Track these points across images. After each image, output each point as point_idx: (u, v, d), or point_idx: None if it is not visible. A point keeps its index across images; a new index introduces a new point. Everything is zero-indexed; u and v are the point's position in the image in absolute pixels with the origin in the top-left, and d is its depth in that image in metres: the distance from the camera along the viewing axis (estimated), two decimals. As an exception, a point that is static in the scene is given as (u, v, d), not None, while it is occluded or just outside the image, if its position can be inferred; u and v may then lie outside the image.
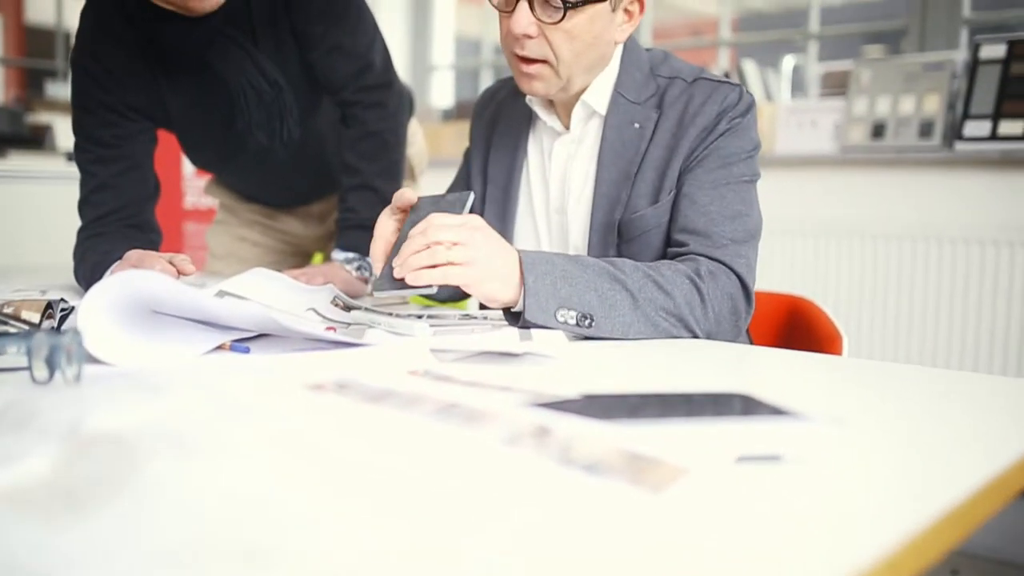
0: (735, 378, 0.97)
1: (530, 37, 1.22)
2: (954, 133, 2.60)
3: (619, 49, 1.34)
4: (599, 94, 1.33)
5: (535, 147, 1.42)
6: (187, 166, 3.73)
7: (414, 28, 4.21)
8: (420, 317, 1.33)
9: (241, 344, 1.04)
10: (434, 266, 1.06)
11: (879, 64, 2.78)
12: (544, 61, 1.24)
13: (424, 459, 0.56)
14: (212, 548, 0.42)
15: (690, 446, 0.61)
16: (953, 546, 0.53)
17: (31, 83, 6.67)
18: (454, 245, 1.06)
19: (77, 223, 1.59)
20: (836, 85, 2.92)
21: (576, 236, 1.36)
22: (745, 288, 1.21)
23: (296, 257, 2.02)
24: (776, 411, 0.71)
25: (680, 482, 0.54)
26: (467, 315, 1.36)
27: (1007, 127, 2.50)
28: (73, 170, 1.63)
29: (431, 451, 0.57)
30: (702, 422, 0.66)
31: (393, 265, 1.09)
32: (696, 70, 1.34)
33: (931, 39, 2.83)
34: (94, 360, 0.90)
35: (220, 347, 1.04)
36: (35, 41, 8.00)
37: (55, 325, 1.13)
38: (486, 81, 4.23)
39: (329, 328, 1.11)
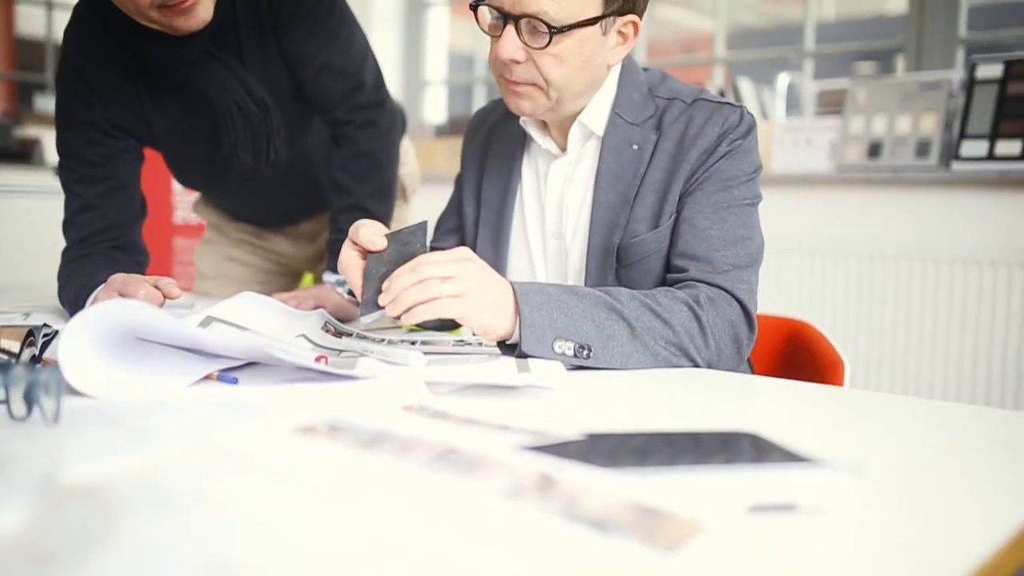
0: (740, 413, 0.94)
1: (518, 62, 1.19)
2: (951, 153, 2.58)
3: (616, 69, 1.31)
4: (596, 115, 1.30)
5: (530, 170, 1.39)
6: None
7: (407, 43, 4.19)
8: (414, 344, 1.30)
9: (229, 375, 1.01)
10: (427, 301, 1.03)
11: (875, 83, 2.77)
12: (533, 83, 1.21)
13: (421, 515, 0.52)
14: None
15: (702, 496, 0.58)
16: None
17: (20, 96, 6.62)
18: (446, 279, 1.04)
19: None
20: (831, 103, 2.90)
21: (574, 261, 1.33)
22: (747, 315, 1.18)
23: (286, 277, 1.98)
24: (788, 455, 0.67)
25: (694, 538, 0.50)
26: (461, 341, 1.33)
27: (1004, 147, 2.49)
28: (62, 185, 1.59)
29: (428, 506, 0.54)
30: (713, 470, 0.63)
31: (380, 303, 1.06)
32: (695, 91, 1.31)
33: (927, 58, 2.82)
34: (75, 392, 0.87)
35: (207, 377, 1.01)
36: (24, 53, 7.95)
37: (36, 353, 1.09)
38: (479, 96, 4.20)
39: (320, 357, 1.07)
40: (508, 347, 1.11)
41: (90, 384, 0.89)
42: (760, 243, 1.26)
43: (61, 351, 0.88)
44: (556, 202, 1.35)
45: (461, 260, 1.07)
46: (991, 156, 2.50)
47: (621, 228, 1.26)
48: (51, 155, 3.87)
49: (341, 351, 1.20)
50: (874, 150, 2.70)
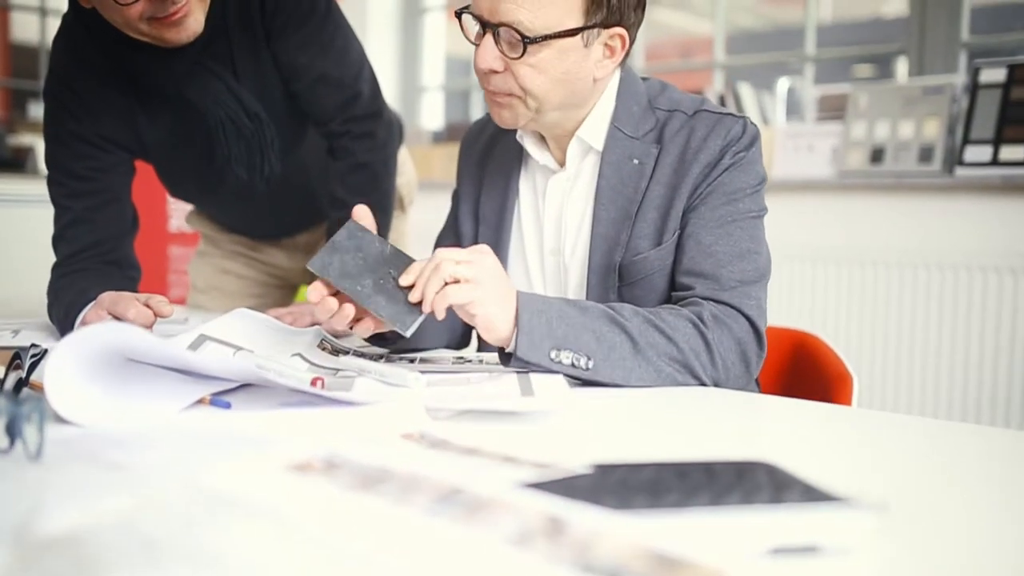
0: (752, 437, 0.90)
1: (495, 72, 1.17)
2: (954, 158, 2.55)
3: (615, 81, 1.28)
4: (594, 129, 1.26)
5: (527, 185, 1.36)
6: (172, 189, 3.65)
7: (403, 49, 4.16)
8: (413, 361, 1.26)
9: (222, 399, 0.98)
10: (440, 289, 1.05)
11: (877, 87, 2.74)
12: (510, 93, 1.19)
13: (422, 565, 0.49)
14: None
15: (719, 540, 0.55)
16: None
17: (14, 104, 6.58)
18: (461, 263, 1.05)
19: (59, 250, 1.52)
20: (832, 108, 2.87)
21: (574, 279, 1.30)
22: (756, 332, 1.15)
23: (281, 290, 1.95)
24: (807, 491, 0.64)
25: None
26: (461, 358, 1.29)
27: (1008, 152, 2.46)
28: (56, 195, 1.56)
29: (430, 555, 0.51)
30: (730, 510, 0.59)
31: (411, 299, 1.07)
32: (696, 101, 1.27)
33: (929, 62, 2.79)
34: (61, 420, 0.84)
35: (200, 401, 0.98)
36: (18, 60, 7.90)
37: (23, 376, 1.06)
38: (477, 102, 4.17)
39: (316, 379, 1.04)
40: (507, 356, 1.08)
41: (77, 412, 0.85)
42: (767, 257, 1.22)
43: (47, 378, 0.85)
44: (555, 218, 1.31)
45: (476, 250, 1.08)
46: (995, 161, 2.46)
47: (623, 246, 1.23)
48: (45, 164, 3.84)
49: (338, 370, 1.17)
50: (876, 156, 2.67)
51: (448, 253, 1.06)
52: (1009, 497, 0.69)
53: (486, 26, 1.15)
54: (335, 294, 1.12)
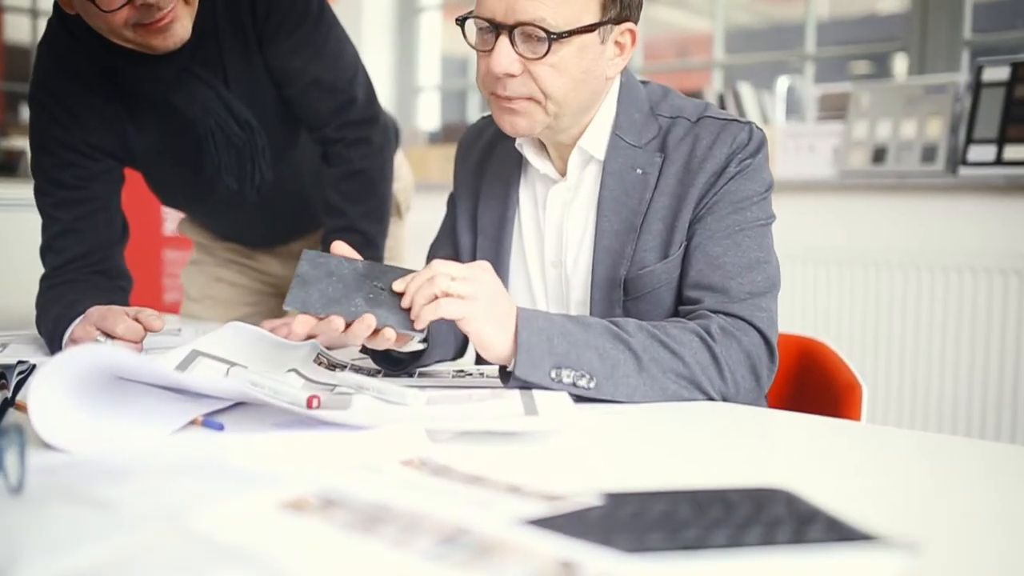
0: (763, 457, 0.87)
1: (512, 76, 1.12)
2: (957, 158, 2.52)
3: (614, 87, 1.24)
4: (596, 138, 1.22)
5: (527, 194, 1.31)
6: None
7: (399, 48, 4.11)
8: (411, 375, 1.23)
9: (214, 421, 0.94)
10: (432, 300, 1.01)
11: (878, 86, 2.70)
12: (530, 98, 1.14)
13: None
14: None
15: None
16: None
17: (7, 106, 6.52)
18: (456, 279, 1.01)
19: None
20: (833, 108, 2.84)
21: (577, 292, 1.26)
22: (768, 344, 1.11)
23: (276, 298, 1.90)
24: (831, 525, 0.61)
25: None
26: (461, 371, 1.26)
27: (1012, 152, 2.43)
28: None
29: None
30: (751, 552, 0.56)
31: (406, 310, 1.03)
32: (699, 107, 1.24)
33: (931, 60, 2.76)
34: (46, 446, 0.81)
35: (192, 422, 0.94)
36: (11, 62, 7.84)
37: (8, 396, 1.02)
38: (474, 102, 4.13)
39: (312, 397, 1.01)
40: (507, 374, 1.05)
41: (62, 437, 0.82)
42: (777, 265, 1.19)
43: (31, 403, 0.81)
44: (555, 229, 1.27)
45: (475, 267, 1.04)
46: (999, 161, 2.43)
47: (627, 259, 1.19)
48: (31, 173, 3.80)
49: (335, 387, 1.13)
50: (878, 155, 2.64)
51: (445, 267, 1.02)
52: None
53: (499, 28, 1.10)
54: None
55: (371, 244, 1.55)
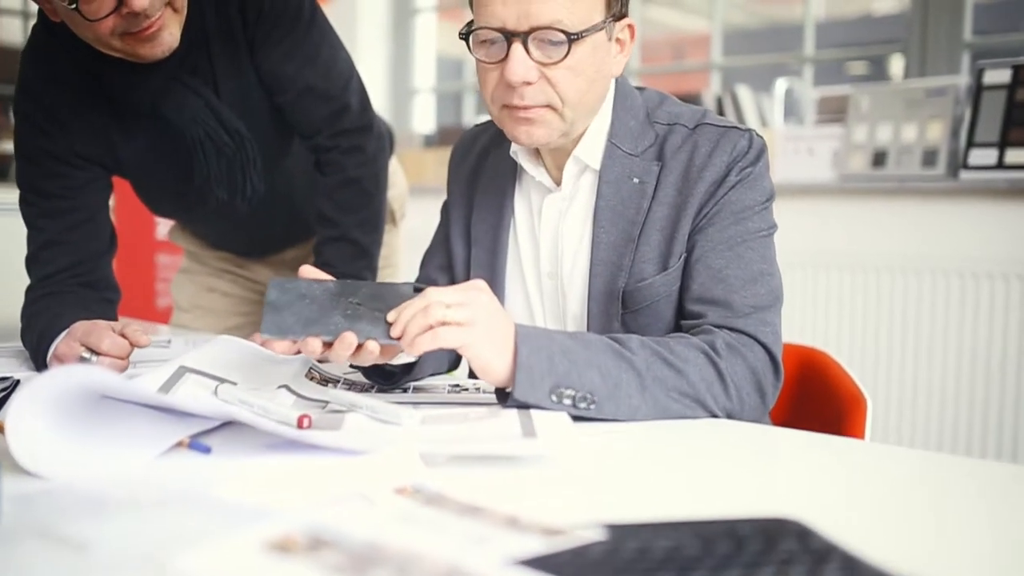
0: (769, 480, 0.84)
1: (530, 84, 1.08)
2: (958, 162, 2.49)
3: (609, 93, 1.21)
4: (591, 146, 1.19)
5: (522, 203, 1.28)
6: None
7: (394, 50, 4.08)
8: (406, 391, 1.20)
9: (201, 443, 0.91)
10: (428, 328, 0.96)
11: (878, 89, 2.68)
12: (547, 105, 1.10)
13: None
14: None
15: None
16: None
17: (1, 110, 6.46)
18: (452, 305, 0.97)
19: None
20: (832, 110, 2.81)
21: (573, 305, 1.22)
22: (773, 361, 1.08)
23: (270, 307, 1.87)
24: (847, 562, 0.58)
25: None
26: (457, 385, 1.23)
27: (1014, 155, 2.40)
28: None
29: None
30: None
31: (392, 334, 0.98)
32: (697, 113, 1.20)
33: (931, 63, 2.73)
34: (24, 473, 0.78)
35: (179, 444, 0.91)
36: (2, 63, 7.77)
37: (-11, 416, 0.99)
38: (470, 104, 4.10)
39: (303, 417, 0.97)
40: (505, 394, 1.01)
41: (42, 463, 0.79)
42: (780, 277, 1.16)
43: (8, 428, 0.78)
44: (551, 239, 1.24)
45: (471, 289, 1.00)
46: (1001, 165, 2.40)
47: (625, 271, 1.16)
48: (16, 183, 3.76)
49: (327, 404, 1.10)
50: (879, 159, 2.61)
51: (439, 295, 0.97)
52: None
53: (511, 37, 1.07)
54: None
55: (365, 254, 1.52)
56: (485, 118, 1.36)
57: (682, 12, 8.93)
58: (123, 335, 1.16)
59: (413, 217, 2.12)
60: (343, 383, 1.21)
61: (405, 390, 1.20)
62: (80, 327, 1.19)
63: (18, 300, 1.42)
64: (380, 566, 0.54)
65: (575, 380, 0.98)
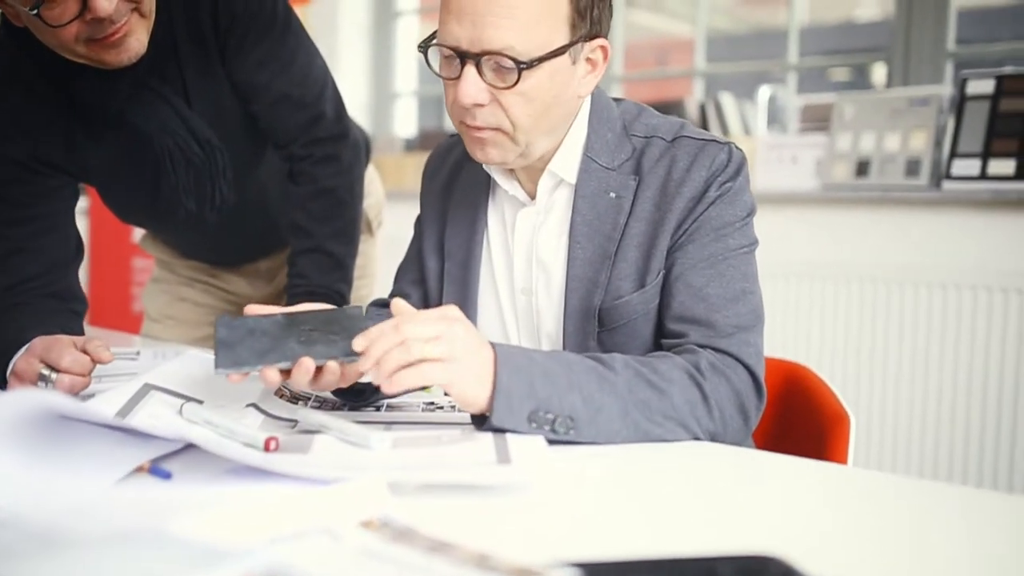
0: (750, 511, 0.81)
1: (481, 106, 1.05)
2: (941, 172, 2.48)
3: (585, 105, 1.17)
4: (566, 160, 1.16)
5: (496, 217, 1.25)
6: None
7: (376, 53, 4.04)
8: (379, 408, 1.16)
9: (162, 468, 0.87)
10: (409, 364, 0.92)
11: (862, 98, 2.66)
12: (498, 128, 1.08)
13: None
14: None
15: None
16: None
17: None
18: (430, 340, 0.92)
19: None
20: (816, 118, 2.79)
21: (548, 323, 1.19)
22: (756, 382, 1.05)
23: (244, 317, 1.83)
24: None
25: None
26: (432, 403, 1.20)
27: (997, 166, 2.39)
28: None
29: None
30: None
31: (361, 368, 0.95)
32: (675, 125, 1.17)
33: (914, 71, 2.72)
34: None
35: (139, 468, 0.87)
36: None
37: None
38: (450, 109, 4.06)
39: (270, 439, 0.94)
40: (480, 418, 0.98)
41: (-8, 493, 0.75)
42: (760, 295, 1.13)
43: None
44: (525, 254, 1.20)
45: (446, 319, 0.95)
46: (984, 175, 2.39)
47: (602, 288, 1.13)
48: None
49: (295, 423, 1.07)
50: (862, 168, 2.60)
51: (415, 329, 0.92)
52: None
53: (465, 58, 1.04)
54: None
55: (340, 265, 1.48)
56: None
57: (665, 17, 8.94)
58: (85, 351, 1.12)
59: (393, 223, 2.08)
60: (313, 400, 1.18)
61: (378, 408, 1.17)
62: (40, 343, 1.15)
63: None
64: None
65: (555, 404, 0.95)
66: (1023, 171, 2.34)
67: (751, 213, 1.15)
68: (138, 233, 3.47)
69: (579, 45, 1.08)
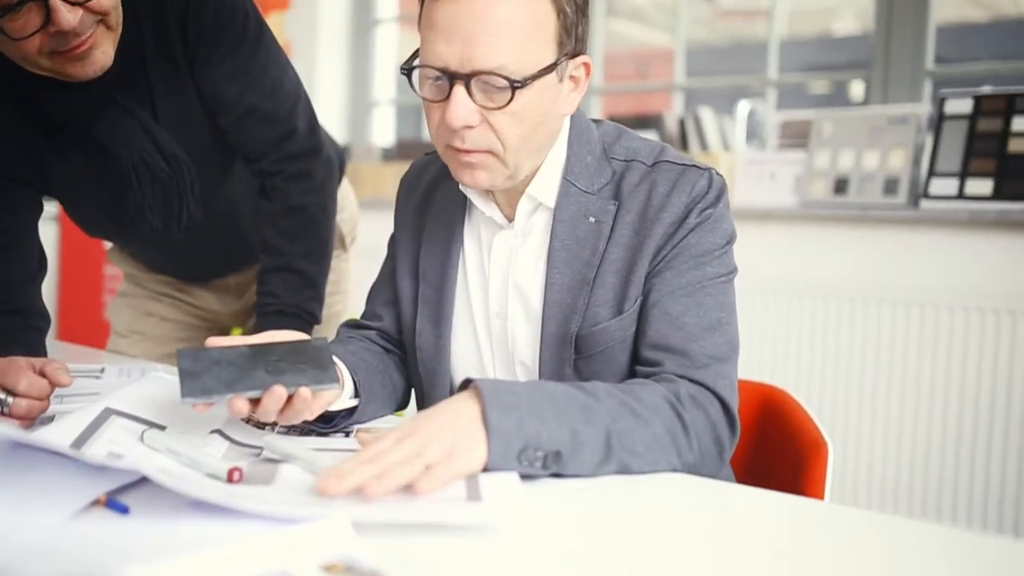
0: (731, 556, 0.79)
1: (471, 127, 1.03)
2: (919, 191, 2.48)
3: (564, 127, 1.15)
4: (545, 184, 1.14)
5: (472, 238, 1.22)
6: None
7: (354, 61, 4.01)
8: (348, 435, 1.13)
9: (119, 502, 0.84)
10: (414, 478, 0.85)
11: (841, 115, 2.66)
12: (488, 151, 1.05)
13: None
14: None
15: None
16: None
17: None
18: (423, 449, 0.86)
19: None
20: (795, 135, 2.79)
21: (523, 349, 1.16)
22: (729, 416, 1.03)
23: (212, 333, 1.78)
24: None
25: None
26: (403, 429, 1.16)
27: (974, 186, 2.39)
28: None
29: None
30: None
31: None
32: (655, 149, 1.15)
33: (893, 89, 2.73)
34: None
35: (96, 501, 0.84)
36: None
37: None
38: (429, 118, 4.04)
39: (233, 470, 0.91)
40: None
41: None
42: (736, 326, 1.11)
43: None
44: (501, 278, 1.18)
45: (415, 425, 0.89)
46: (961, 195, 2.40)
47: (579, 314, 1.10)
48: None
49: (260, 451, 1.03)
50: (840, 186, 2.60)
51: (402, 449, 0.85)
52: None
53: (454, 78, 1.01)
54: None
55: (311, 284, 1.45)
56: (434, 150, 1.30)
57: (645, 26, 8.96)
58: (43, 373, 1.08)
59: (369, 233, 2.05)
60: (280, 426, 1.15)
61: (347, 434, 1.14)
62: (-8, 364, 1.11)
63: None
64: None
65: (544, 440, 0.91)
66: (1000, 191, 2.35)
67: (731, 240, 1.13)
68: (108, 243, 3.43)
69: (565, 62, 1.07)
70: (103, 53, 1.19)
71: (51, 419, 1.12)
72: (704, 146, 3.00)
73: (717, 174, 1.13)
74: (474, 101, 1.01)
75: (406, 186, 1.32)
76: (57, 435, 0.98)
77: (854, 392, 2.53)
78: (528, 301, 1.15)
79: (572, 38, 1.06)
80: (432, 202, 1.25)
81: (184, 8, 1.30)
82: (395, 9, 4.07)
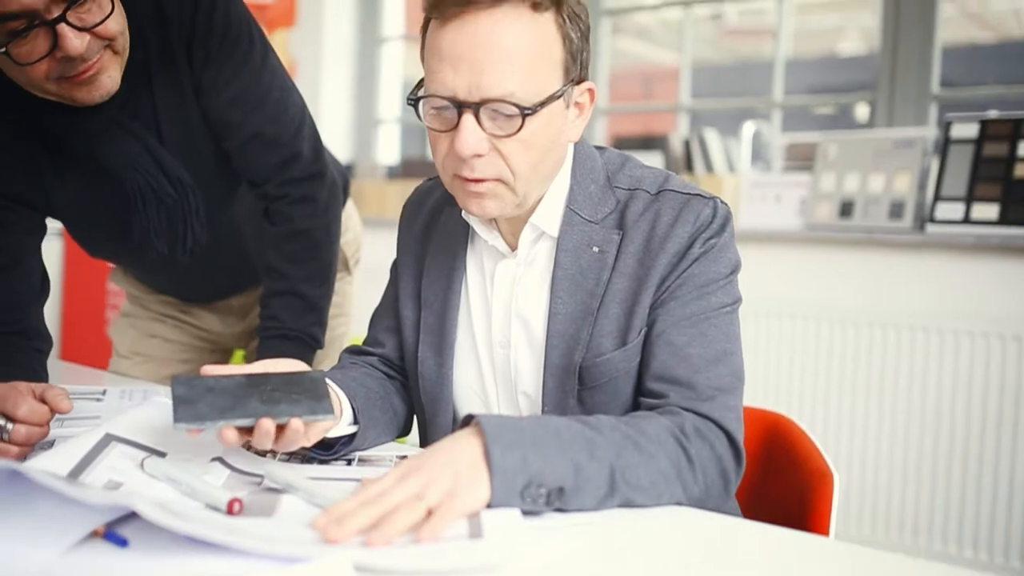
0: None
1: (479, 156, 1.02)
2: (925, 215, 2.48)
3: (568, 157, 1.15)
4: (549, 213, 1.13)
5: (475, 265, 1.21)
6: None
7: (360, 79, 4.01)
8: (350, 463, 1.12)
9: (117, 535, 0.83)
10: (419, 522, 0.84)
11: (847, 138, 2.66)
12: (498, 179, 1.05)
13: None
14: None
15: None
16: None
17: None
18: (423, 490, 0.85)
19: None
20: (800, 157, 2.79)
21: (527, 380, 1.15)
22: (735, 449, 1.02)
23: (214, 354, 1.78)
24: None
25: None
26: (405, 457, 1.16)
27: (980, 211, 2.39)
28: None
29: None
30: None
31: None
32: (659, 177, 1.15)
33: (899, 112, 2.72)
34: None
35: (94, 533, 0.83)
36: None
37: None
38: (434, 136, 4.03)
39: (234, 501, 0.90)
40: None
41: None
42: (742, 356, 1.10)
43: None
44: (504, 307, 1.17)
45: (415, 462, 0.88)
46: (967, 220, 2.39)
47: (583, 345, 1.09)
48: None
49: (261, 479, 1.02)
50: (846, 209, 2.59)
51: (402, 489, 0.84)
52: None
53: (462, 107, 1.01)
54: None
55: (313, 308, 1.44)
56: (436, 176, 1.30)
57: (651, 44, 8.97)
58: (43, 399, 1.07)
59: (374, 252, 2.05)
60: (281, 453, 1.14)
61: (348, 462, 1.13)
62: (-8, 390, 1.10)
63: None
64: None
65: (548, 476, 0.90)
66: (1006, 216, 2.34)
67: (735, 270, 1.12)
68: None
69: (571, 89, 1.07)
70: (110, 78, 1.19)
71: (51, 444, 1.11)
72: (709, 168, 2.99)
73: (722, 203, 1.13)
74: (483, 129, 1.01)
75: (409, 212, 1.31)
76: (57, 461, 0.98)
77: (859, 414, 2.52)
78: (531, 331, 1.14)
79: (577, 64, 1.07)
80: (435, 229, 1.25)
81: (190, 33, 1.30)
82: (402, 27, 4.07)
